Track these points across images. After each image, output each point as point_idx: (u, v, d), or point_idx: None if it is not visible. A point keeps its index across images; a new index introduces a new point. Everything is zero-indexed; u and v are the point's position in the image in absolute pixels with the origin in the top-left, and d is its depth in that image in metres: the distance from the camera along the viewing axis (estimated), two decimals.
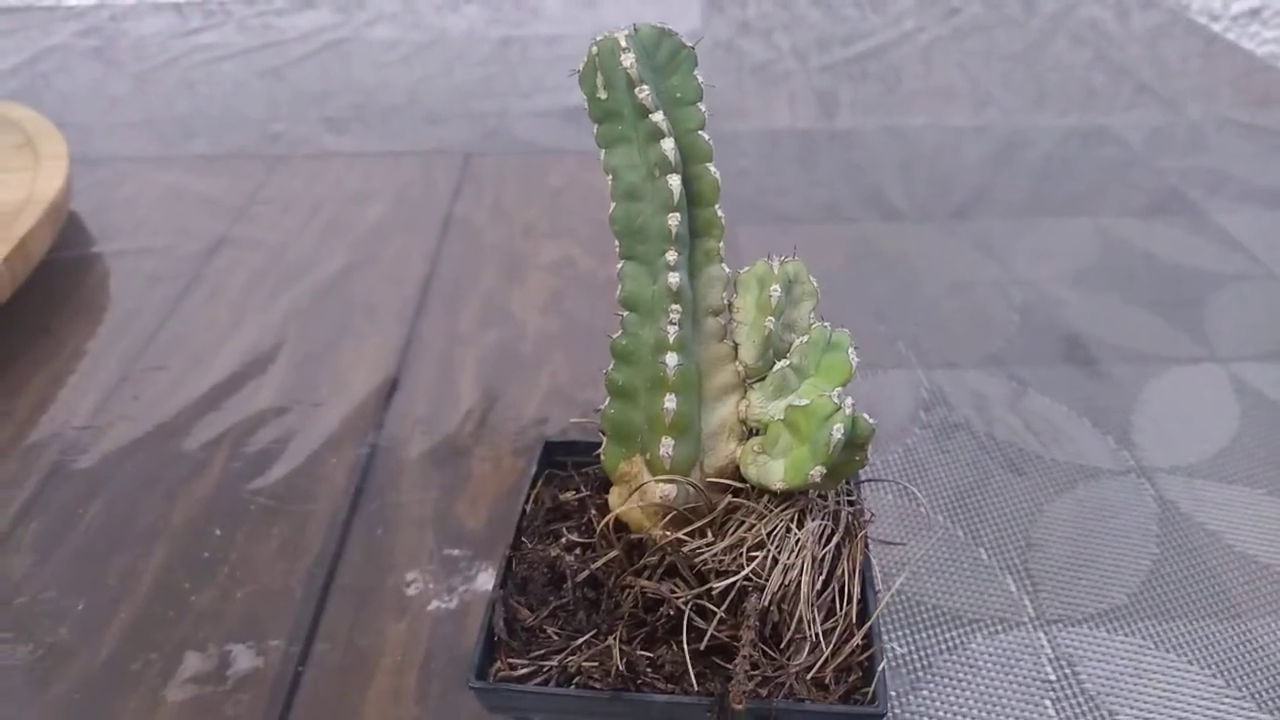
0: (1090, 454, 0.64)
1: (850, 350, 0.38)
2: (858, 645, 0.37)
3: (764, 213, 0.93)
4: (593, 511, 0.42)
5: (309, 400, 0.70)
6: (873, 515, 0.42)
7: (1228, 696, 0.49)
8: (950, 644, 0.51)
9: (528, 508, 0.44)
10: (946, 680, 0.49)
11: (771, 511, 0.39)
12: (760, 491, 0.39)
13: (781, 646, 0.37)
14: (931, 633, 0.52)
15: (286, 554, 0.57)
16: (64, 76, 1.35)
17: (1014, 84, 1.25)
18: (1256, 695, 0.49)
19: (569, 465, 0.47)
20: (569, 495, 0.44)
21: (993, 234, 0.90)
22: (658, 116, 0.37)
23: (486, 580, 0.55)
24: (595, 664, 0.37)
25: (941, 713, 0.48)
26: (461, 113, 1.19)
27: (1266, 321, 0.77)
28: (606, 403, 0.41)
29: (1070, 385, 0.70)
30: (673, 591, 0.37)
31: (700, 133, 0.38)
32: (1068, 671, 0.50)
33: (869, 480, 0.58)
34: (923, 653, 0.51)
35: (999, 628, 0.52)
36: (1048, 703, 0.48)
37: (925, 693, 0.49)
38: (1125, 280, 0.83)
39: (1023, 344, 0.75)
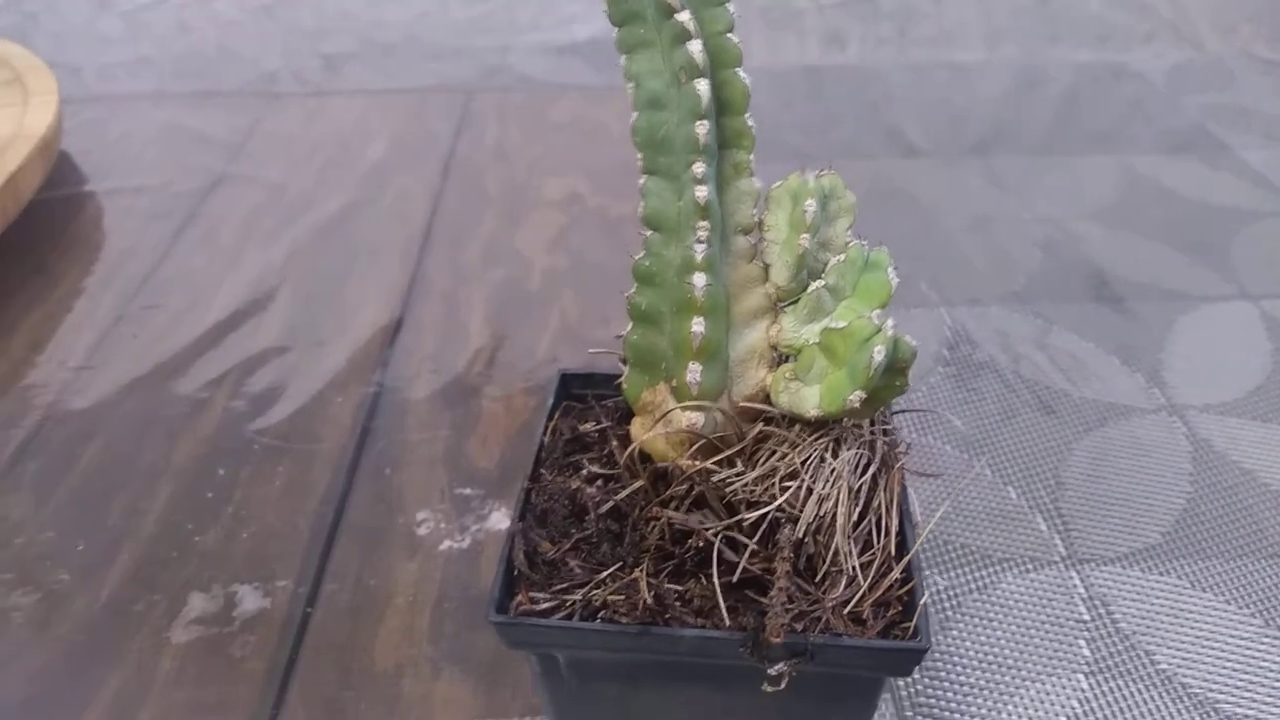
0: (1120, 392, 0.62)
1: (890, 269, 0.36)
2: (896, 579, 0.36)
3: (781, 150, 0.90)
4: (614, 442, 0.40)
5: (312, 339, 0.68)
6: (909, 446, 0.40)
7: (1266, 636, 0.47)
8: (980, 583, 0.50)
9: (545, 439, 0.42)
10: (977, 620, 0.48)
11: (805, 440, 0.37)
12: (792, 420, 0.37)
13: (817, 580, 0.35)
14: (960, 572, 0.50)
15: (292, 494, 0.55)
16: (52, 16, 1.31)
17: (1030, 21, 1.22)
18: None
19: (588, 397, 0.44)
20: (588, 426, 0.42)
21: (1013, 171, 0.87)
22: (684, 16, 0.34)
23: (500, 519, 0.53)
24: (621, 597, 0.35)
25: (973, 653, 0.46)
26: (461, 49, 1.16)
27: None
28: (629, 328, 0.38)
29: (1097, 322, 0.68)
30: (701, 523, 0.35)
31: (729, 35, 0.36)
32: (1102, 611, 0.48)
33: (904, 410, 0.56)
34: (952, 592, 0.49)
35: (1030, 567, 0.51)
36: (1082, 643, 0.47)
37: (956, 633, 0.47)
38: (1150, 218, 0.80)
39: (1046, 281, 0.72)
